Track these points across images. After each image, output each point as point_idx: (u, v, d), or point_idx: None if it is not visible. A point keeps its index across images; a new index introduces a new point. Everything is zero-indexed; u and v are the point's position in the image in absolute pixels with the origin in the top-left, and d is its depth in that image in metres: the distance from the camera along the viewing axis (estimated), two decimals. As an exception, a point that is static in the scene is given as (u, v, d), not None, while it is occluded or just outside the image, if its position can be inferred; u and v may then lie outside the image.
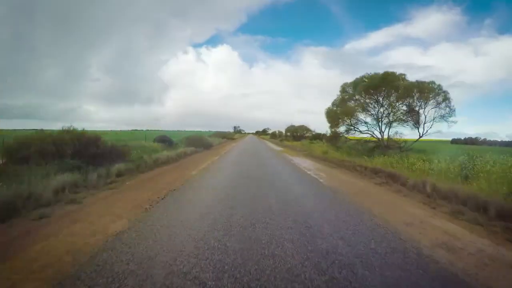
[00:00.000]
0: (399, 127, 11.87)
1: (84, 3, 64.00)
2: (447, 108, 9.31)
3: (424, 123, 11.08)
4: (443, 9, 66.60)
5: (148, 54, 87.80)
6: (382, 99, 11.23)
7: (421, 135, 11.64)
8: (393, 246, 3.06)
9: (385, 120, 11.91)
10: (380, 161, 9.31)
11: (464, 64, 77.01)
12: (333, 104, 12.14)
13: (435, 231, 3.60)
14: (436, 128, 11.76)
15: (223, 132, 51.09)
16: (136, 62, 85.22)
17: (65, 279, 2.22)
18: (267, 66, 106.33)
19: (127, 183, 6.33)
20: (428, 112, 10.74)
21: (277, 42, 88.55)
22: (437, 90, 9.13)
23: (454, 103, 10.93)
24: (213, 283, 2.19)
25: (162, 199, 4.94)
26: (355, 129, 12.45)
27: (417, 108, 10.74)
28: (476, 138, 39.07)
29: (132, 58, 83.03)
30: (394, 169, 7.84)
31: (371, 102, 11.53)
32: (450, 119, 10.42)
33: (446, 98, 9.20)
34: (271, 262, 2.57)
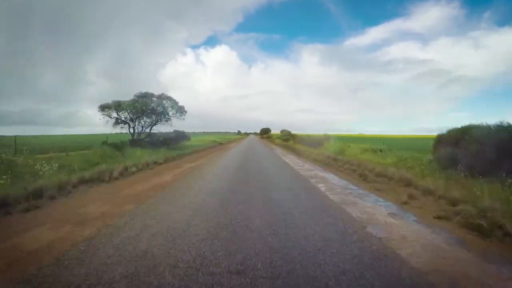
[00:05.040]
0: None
1: (81, 7, 65.64)
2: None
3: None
4: (442, 3, 67.83)
5: (145, 57, 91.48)
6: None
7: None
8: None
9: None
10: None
11: (465, 58, 77.66)
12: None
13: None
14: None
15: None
16: (134, 66, 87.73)
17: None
18: (266, 66, 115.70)
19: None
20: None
21: (276, 41, 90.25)
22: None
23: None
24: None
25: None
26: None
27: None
28: None
29: (129, 61, 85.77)
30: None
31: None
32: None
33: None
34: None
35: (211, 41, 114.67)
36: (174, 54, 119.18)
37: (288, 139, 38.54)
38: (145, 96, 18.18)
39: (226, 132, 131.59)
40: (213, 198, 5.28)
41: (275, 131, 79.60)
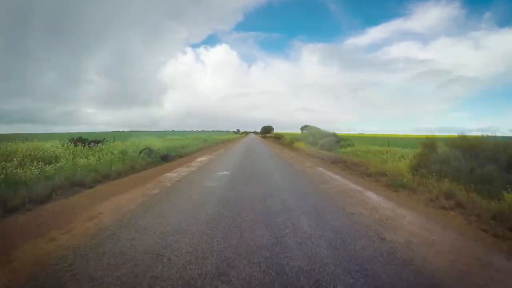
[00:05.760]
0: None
1: (81, 7, 66.46)
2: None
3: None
4: (442, 3, 72.56)
5: (145, 56, 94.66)
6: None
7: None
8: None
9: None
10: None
11: (465, 58, 79.34)
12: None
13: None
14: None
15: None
16: (134, 65, 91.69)
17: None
18: (266, 65, 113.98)
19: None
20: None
21: (275, 40, 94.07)
22: None
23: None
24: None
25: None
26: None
27: None
28: None
29: (129, 61, 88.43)
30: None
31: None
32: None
33: None
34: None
35: (211, 40, 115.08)
36: (174, 53, 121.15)
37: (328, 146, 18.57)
38: None
39: (226, 131, 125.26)
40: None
41: (276, 130, 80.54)
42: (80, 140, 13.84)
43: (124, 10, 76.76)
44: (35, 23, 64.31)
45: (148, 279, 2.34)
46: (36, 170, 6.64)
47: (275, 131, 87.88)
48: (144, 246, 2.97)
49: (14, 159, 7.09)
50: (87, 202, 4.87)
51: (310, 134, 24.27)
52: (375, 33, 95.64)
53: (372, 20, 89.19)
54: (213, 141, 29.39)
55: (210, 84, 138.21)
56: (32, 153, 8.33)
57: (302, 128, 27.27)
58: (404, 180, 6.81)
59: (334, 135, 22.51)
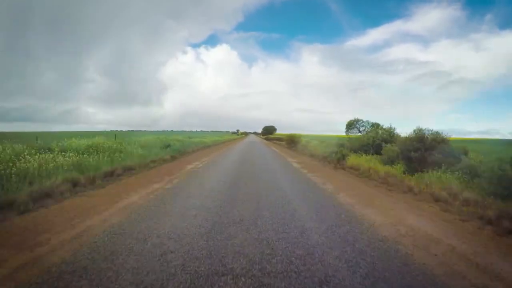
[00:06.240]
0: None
1: (81, 7, 62.47)
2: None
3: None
4: (443, 5, 72.53)
5: (145, 56, 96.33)
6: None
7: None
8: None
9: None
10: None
11: (465, 60, 79.84)
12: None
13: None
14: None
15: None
16: (134, 64, 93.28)
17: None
18: (266, 65, 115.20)
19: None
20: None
21: (276, 40, 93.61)
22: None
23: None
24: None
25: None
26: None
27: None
28: None
29: (129, 60, 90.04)
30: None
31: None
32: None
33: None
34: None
35: (212, 40, 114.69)
36: (174, 53, 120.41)
37: None
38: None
39: (226, 132, 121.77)
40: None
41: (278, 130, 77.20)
42: None
43: (124, 10, 77.90)
44: (35, 23, 66.38)
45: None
46: None
47: (278, 131, 79.78)
48: None
49: None
50: None
51: (381, 139, 11.14)
52: (376, 34, 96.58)
53: (373, 21, 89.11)
54: (183, 147, 16.25)
55: (210, 84, 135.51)
56: None
57: (348, 126, 14.32)
58: None
59: (444, 140, 9.47)
